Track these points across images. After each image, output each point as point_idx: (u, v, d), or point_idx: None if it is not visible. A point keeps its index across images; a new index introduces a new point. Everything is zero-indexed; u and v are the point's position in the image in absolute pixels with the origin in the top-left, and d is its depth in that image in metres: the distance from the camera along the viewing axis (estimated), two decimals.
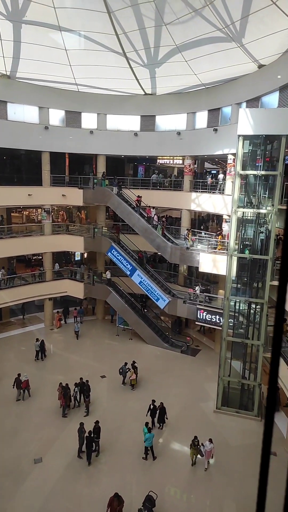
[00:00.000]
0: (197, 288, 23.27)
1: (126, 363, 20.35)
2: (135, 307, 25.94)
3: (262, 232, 16.57)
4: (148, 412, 16.41)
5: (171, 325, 27.25)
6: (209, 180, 24.19)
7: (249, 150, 16.22)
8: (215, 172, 28.74)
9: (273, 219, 15.84)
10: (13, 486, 13.31)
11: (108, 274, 26.39)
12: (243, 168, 16.28)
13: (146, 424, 15.14)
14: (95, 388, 18.96)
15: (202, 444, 14.37)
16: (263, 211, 16.24)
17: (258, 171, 15.78)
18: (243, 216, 16.86)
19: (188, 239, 22.65)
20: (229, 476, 14.00)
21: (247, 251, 16.77)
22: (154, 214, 24.89)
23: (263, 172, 15.88)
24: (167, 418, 16.63)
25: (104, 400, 18.76)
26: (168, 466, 14.47)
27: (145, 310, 25.95)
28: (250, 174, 16.45)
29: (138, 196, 24.91)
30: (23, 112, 24.26)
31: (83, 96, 25.73)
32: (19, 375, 18.62)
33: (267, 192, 16.28)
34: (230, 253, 16.67)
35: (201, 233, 23.82)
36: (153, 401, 16.62)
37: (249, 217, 16.88)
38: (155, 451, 14.89)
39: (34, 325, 27.99)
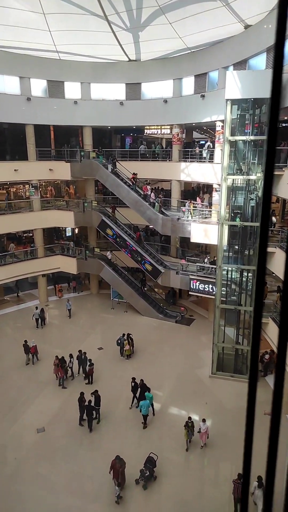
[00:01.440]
0: (206, 259, 23.23)
1: (124, 334, 20.69)
2: (128, 280, 26.07)
3: (252, 199, 16.54)
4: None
5: (165, 296, 27.56)
6: (197, 149, 23.80)
7: (237, 115, 15.90)
8: (203, 142, 28.28)
9: (263, 185, 15.73)
10: (17, 454, 13.77)
11: (109, 255, 26.09)
12: (232, 134, 16.01)
13: (144, 391, 15.57)
14: (92, 359, 19.30)
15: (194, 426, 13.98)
16: (253, 177, 16.14)
17: (247, 136, 15.55)
18: (233, 184, 16.75)
19: (190, 211, 22.52)
20: (226, 437, 14.59)
21: (238, 219, 16.79)
22: (151, 192, 24.56)
23: (252, 137, 15.65)
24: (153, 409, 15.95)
25: (102, 371, 19.16)
26: (167, 431, 15.01)
27: (145, 289, 26.05)
28: (239, 140, 16.21)
29: (134, 174, 24.52)
30: (3, 83, 23.30)
31: (65, 65, 24.75)
32: (26, 341, 19.86)
33: (256, 158, 16.10)
34: (221, 221, 16.67)
35: (195, 205, 23.55)
36: (133, 378, 16.52)
37: (239, 185, 16.78)
38: (153, 418, 15.37)
39: (28, 302, 28.10)
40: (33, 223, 26.33)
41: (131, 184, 24.38)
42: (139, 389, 16.12)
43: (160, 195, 25.39)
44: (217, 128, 21.49)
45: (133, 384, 16.42)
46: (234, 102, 15.61)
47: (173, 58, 23.67)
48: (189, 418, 14.17)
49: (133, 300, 25.56)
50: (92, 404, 15.00)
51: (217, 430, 14.99)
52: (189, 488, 12.45)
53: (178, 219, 22.78)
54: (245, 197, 16.61)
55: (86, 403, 14.90)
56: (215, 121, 21.46)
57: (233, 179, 16.64)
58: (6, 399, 17.00)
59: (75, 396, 15.77)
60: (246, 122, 15.70)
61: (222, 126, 19.71)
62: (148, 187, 24.86)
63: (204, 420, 14.15)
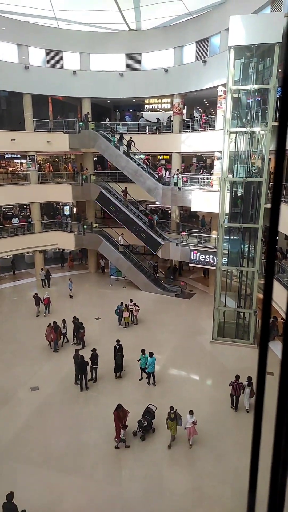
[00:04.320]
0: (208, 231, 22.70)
1: (122, 303, 20.07)
2: (126, 254, 25.37)
3: (255, 153, 16.00)
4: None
5: (165, 273, 26.97)
6: (197, 115, 23.32)
7: (241, 64, 15.39)
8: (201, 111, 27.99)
9: (266, 138, 15.25)
10: (11, 410, 13.13)
11: (121, 240, 25.14)
12: (235, 84, 15.48)
13: (143, 351, 14.93)
14: (89, 329, 18.61)
15: (178, 414, 11.50)
16: (256, 129, 15.60)
17: (251, 86, 15.02)
18: (236, 138, 16.21)
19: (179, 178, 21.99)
20: (228, 396, 13.95)
21: (240, 175, 16.24)
22: (165, 171, 23.98)
23: (256, 86, 15.12)
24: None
25: (99, 338, 18.52)
26: (165, 389, 14.39)
27: (157, 275, 25.40)
28: (242, 90, 15.69)
29: (147, 154, 24.06)
30: (0, 50, 22.83)
31: (64, 34, 24.34)
32: (36, 293, 20.88)
33: (260, 110, 15.56)
34: (223, 177, 16.12)
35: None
36: (118, 341, 15.55)
37: (242, 139, 16.22)
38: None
39: (25, 279, 27.49)
40: (30, 196, 25.76)
41: (145, 166, 23.79)
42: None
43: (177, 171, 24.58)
44: (219, 93, 21.02)
45: (117, 347, 15.18)
46: (237, 51, 15.09)
47: (174, 25, 23.28)
48: (171, 408, 11.48)
49: (132, 275, 24.95)
50: (89, 363, 14.40)
51: (219, 388, 14.36)
52: (186, 440, 11.77)
53: (179, 188, 22.24)
54: (248, 151, 16.06)
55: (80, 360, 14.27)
56: (217, 85, 20.96)
57: (236, 132, 16.08)
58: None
59: (69, 359, 15.17)
60: (249, 70, 15.16)
61: (224, 91, 19.24)
62: (163, 168, 24.40)
63: (191, 412, 11.51)
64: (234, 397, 13.13)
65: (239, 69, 15.41)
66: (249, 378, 12.91)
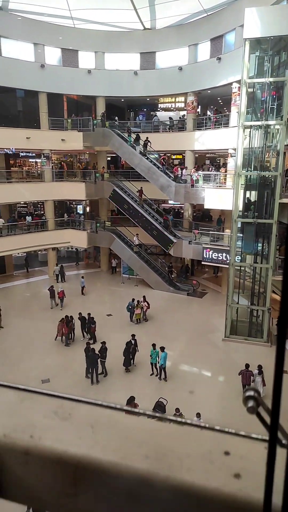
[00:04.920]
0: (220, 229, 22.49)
1: (133, 299, 20.00)
2: (140, 254, 25.29)
3: (270, 148, 15.79)
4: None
5: (178, 272, 26.79)
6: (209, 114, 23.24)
7: (256, 57, 15.25)
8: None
9: (282, 132, 15.03)
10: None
11: (136, 240, 25.10)
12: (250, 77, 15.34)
13: (154, 346, 14.81)
14: (100, 324, 18.57)
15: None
16: (271, 122, 15.40)
17: (266, 78, 14.86)
18: (250, 132, 16.03)
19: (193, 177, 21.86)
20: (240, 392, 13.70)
21: (254, 170, 16.04)
22: (181, 170, 23.93)
23: (271, 79, 14.94)
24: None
25: (110, 334, 18.45)
26: (177, 384, 14.22)
27: (173, 276, 25.33)
28: (257, 84, 15.54)
29: (163, 154, 24.09)
30: (17, 49, 23.20)
31: (80, 33, 24.60)
32: (52, 286, 21.35)
33: (275, 104, 15.38)
34: (237, 171, 15.94)
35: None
36: (133, 335, 15.64)
37: (256, 134, 16.04)
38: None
39: (38, 277, 27.69)
40: (44, 194, 25.98)
41: (161, 166, 23.77)
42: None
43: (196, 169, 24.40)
44: (233, 90, 20.87)
45: (132, 341, 15.30)
46: (252, 44, 14.97)
47: (189, 24, 23.30)
48: (177, 410, 11.18)
49: (144, 273, 24.86)
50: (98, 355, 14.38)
51: (232, 386, 14.12)
52: None
53: (192, 185, 22.12)
54: (262, 146, 15.87)
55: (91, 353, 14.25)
56: (231, 82, 20.82)
57: (250, 126, 15.91)
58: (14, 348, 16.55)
59: (80, 354, 15.15)
60: (265, 63, 15.02)
61: (239, 88, 19.10)
62: (179, 168, 24.37)
63: (198, 415, 10.99)
64: (246, 386, 13.14)
65: (254, 63, 15.28)
66: (259, 367, 13.09)
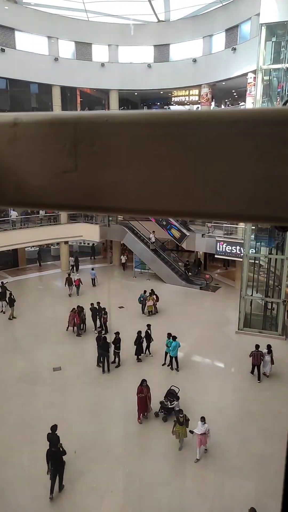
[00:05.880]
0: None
1: (145, 291, 19.88)
2: (157, 252, 25.13)
3: None
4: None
5: (190, 267, 26.56)
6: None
7: (272, 43, 14.96)
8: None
9: None
10: (33, 387, 13.14)
11: (152, 238, 25.06)
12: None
13: (169, 335, 14.63)
14: (112, 316, 18.49)
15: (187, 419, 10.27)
16: None
17: (284, 64, 14.56)
18: None
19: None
20: (253, 382, 13.42)
21: None
22: None
23: None
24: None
25: (122, 325, 18.34)
26: (189, 374, 14.02)
27: (189, 273, 25.17)
28: (273, 71, 15.24)
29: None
30: (32, 42, 23.32)
31: (93, 26, 24.60)
32: (69, 274, 22.57)
33: None
34: None
35: None
36: (149, 325, 15.67)
37: None
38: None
39: (50, 270, 27.80)
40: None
41: None
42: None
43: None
44: (249, 81, 20.56)
45: (149, 331, 15.35)
46: (269, 28, 14.68)
47: (203, 15, 23.07)
48: (181, 411, 10.40)
49: (156, 267, 24.71)
50: (112, 346, 14.28)
51: (245, 377, 13.85)
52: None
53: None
54: None
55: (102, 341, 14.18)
56: (247, 73, 20.52)
57: None
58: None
59: (92, 344, 15.08)
60: (282, 49, 14.72)
61: (254, 78, 18.80)
62: None
63: (203, 419, 10.06)
64: (256, 367, 13.46)
65: (270, 50, 14.98)
66: (269, 346, 13.64)
